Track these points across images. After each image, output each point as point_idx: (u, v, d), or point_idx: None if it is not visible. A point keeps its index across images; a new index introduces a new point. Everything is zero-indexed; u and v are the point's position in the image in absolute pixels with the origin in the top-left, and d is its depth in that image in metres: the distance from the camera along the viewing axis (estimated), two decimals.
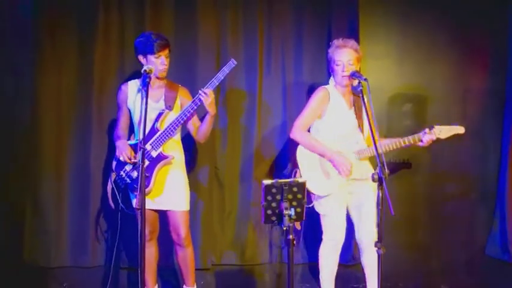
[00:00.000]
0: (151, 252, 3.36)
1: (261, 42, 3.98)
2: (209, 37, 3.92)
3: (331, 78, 3.34)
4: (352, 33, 3.78)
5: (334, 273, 3.45)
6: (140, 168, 2.72)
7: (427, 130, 3.20)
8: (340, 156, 3.22)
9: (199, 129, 3.32)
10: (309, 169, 3.34)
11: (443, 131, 3.22)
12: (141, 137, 2.97)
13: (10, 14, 3.78)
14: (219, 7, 3.94)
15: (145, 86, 2.94)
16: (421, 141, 3.20)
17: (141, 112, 3.06)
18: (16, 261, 3.76)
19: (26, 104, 3.81)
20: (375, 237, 2.68)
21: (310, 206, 3.34)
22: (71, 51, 3.85)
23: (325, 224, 3.36)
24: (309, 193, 3.26)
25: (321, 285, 3.48)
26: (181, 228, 3.30)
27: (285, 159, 3.97)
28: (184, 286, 3.48)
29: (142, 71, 3.10)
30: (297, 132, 3.32)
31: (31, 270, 3.80)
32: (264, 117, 4.00)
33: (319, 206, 3.34)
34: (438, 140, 3.21)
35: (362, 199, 3.30)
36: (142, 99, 3.07)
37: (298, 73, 4.02)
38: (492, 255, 4.08)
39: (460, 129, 3.27)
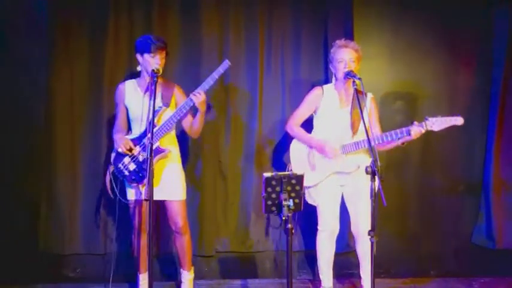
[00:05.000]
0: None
1: (261, 42, 4.03)
2: (212, 38, 3.99)
3: (333, 77, 3.47)
4: (347, 35, 3.83)
5: (331, 261, 3.58)
6: (148, 161, 2.86)
7: (415, 123, 3.13)
8: (322, 141, 3.37)
9: (192, 126, 3.44)
10: (298, 162, 3.52)
11: (436, 123, 3.09)
12: (147, 132, 3.11)
13: (25, 15, 3.85)
14: (221, 10, 4.01)
15: (153, 85, 3.08)
16: (409, 134, 3.13)
17: (149, 109, 3.21)
18: (32, 249, 3.88)
19: (40, 101, 3.88)
20: (369, 228, 2.81)
21: None
22: (83, 51, 3.92)
23: (319, 214, 3.51)
24: None
25: (320, 272, 3.62)
26: (178, 217, 3.42)
27: (283, 152, 4.05)
28: (181, 270, 3.60)
29: (138, 68, 3.32)
30: (288, 126, 3.55)
31: (46, 258, 3.93)
32: (264, 113, 4.06)
33: (308, 197, 3.51)
34: (429, 132, 3.09)
35: (357, 192, 3.39)
36: (150, 97, 3.19)
37: (297, 72, 4.06)
38: (478, 243, 4.13)
39: (458, 121, 3.08)
